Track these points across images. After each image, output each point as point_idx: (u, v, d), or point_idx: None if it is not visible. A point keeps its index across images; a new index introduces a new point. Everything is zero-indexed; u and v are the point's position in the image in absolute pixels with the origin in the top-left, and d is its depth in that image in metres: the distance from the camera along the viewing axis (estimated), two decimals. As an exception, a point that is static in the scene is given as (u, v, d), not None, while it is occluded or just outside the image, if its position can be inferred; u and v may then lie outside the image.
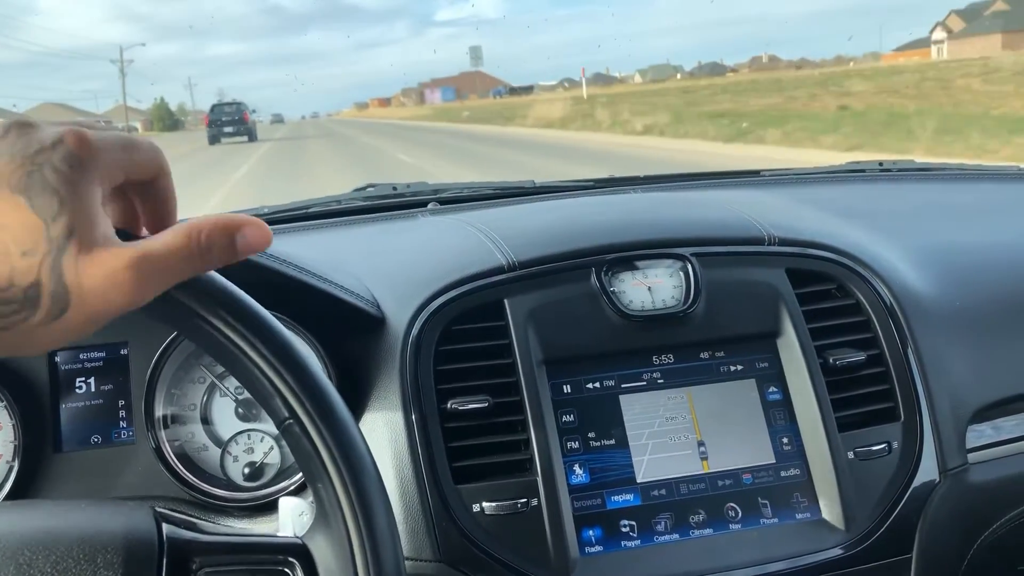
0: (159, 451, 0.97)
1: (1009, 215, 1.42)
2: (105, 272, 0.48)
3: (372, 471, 0.61)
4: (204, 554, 0.62)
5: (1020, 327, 1.12)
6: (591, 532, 0.91)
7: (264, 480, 0.99)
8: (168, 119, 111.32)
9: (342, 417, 0.61)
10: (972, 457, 1.01)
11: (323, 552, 0.62)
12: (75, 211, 0.48)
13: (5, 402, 0.96)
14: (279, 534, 0.67)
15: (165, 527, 0.62)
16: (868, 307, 1.03)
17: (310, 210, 1.49)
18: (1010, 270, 1.19)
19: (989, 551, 1.03)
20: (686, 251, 1.01)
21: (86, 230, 0.48)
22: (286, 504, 0.69)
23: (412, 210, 1.45)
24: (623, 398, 0.96)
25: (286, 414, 0.60)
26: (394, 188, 1.62)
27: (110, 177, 0.51)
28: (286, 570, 0.62)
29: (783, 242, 1.05)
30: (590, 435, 0.94)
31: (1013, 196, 1.53)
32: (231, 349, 0.59)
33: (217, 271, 0.61)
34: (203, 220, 0.53)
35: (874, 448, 0.97)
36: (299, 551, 0.63)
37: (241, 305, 0.59)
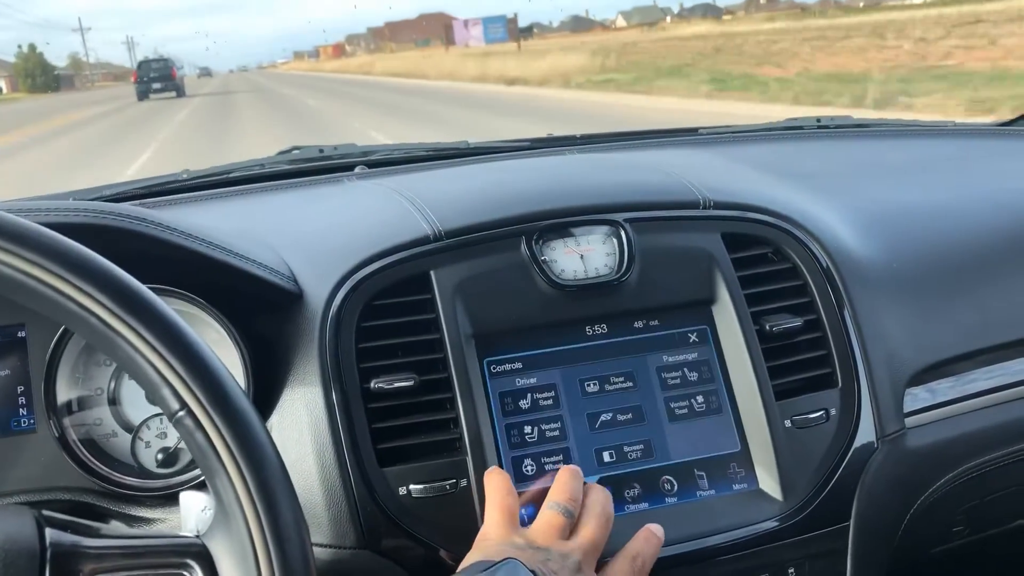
0: (62, 439, 0.90)
1: (944, 172, 1.41)
2: None
3: (274, 463, 0.57)
4: (93, 561, 0.57)
5: (957, 286, 1.11)
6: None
7: (179, 466, 0.93)
8: (42, 75, 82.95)
9: (239, 406, 0.56)
10: (910, 421, 1.00)
11: (224, 552, 0.57)
12: None
13: None
14: (180, 532, 0.62)
15: (49, 532, 0.57)
16: (805, 271, 1.01)
17: (232, 175, 1.41)
18: (947, 229, 1.18)
19: (925, 515, 1.02)
20: (619, 217, 0.97)
21: None
22: (188, 499, 0.64)
23: (339, 174, 1.38)
24: (556, 371, 0.93)
25: (177, 405, 0.55)
26: (320, 151, 1.55)
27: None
28: (184, 573, 0.58)
29: (718, 206, 1.02)
30: (522, 410, 0.91)
31: (948, 152, 1.53)
32: (111, 336, 0.54)
33: (108, 247, 0.56)
34: None
35: (811, 416, 0.95)
36: (197, 552, 0.58)
37: (120, 284, 0.54)
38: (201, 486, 0.89)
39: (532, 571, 0.66)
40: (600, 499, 0.84)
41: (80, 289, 0.54)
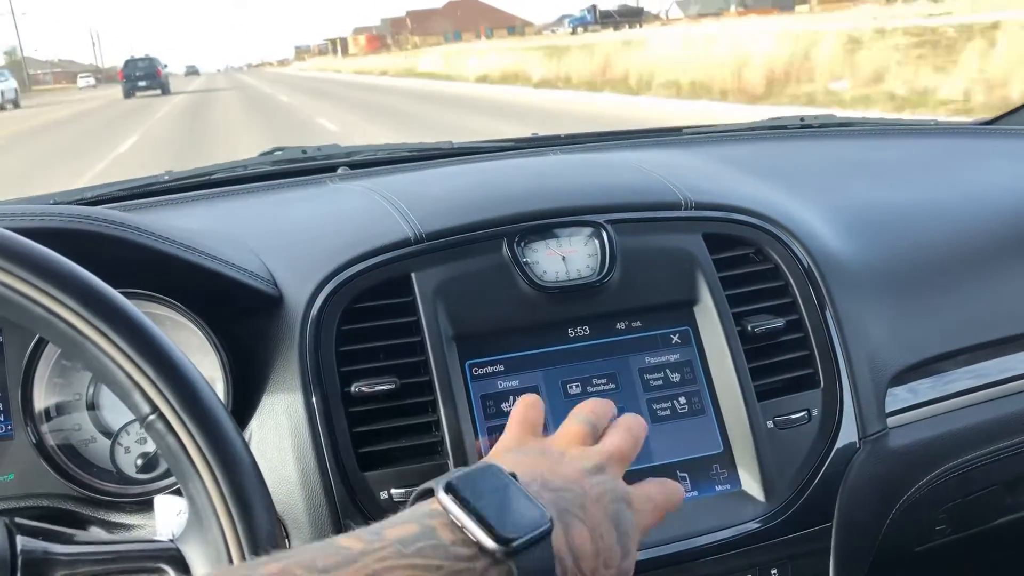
0: (40, 445, 0.89)
1: (926, 172, 1.41)
2: None
3: (247, 465, 0.57)
4: (65, 567, 0.57)
5: (937, 287, 1.11)
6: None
7: (159, 472, 0.92)
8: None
9: (210, 408, 0.56)
10: (891, 421, 1.00)
11: (198, 557, 0.57)
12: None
13: None
14: (155, 537, 0.62)
15: (20, 540, 0.56)
16: (786, 271, 1.01)
17: (213, 176, 1.40)
18: (929, 229, 1.18)
19: (907, 514, 1.03)
20: (601, 218, 0.97)
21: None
22: (162, 503, 0.64)
23: (321, 175, 1.37)
24: (538, 373, 0.92)
25: (148, 409, 0.55)
26: (304, 152, 1.54)
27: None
28: None
29: (700, 206, 1.01)
30: (504, 412, 0.90)
31: (931, 151, 1.53)
32: (79, 339, 0.53)
33: (84, 252, 0.55)
34: None
35: (793, 416, 0.95)
36: (170, 556, 0.58)
37: (86, 287, 0.54)
38: (179, 491, 0.89)
39: (513, 475, 0.56)
40: (630, 417, 0.74)
41: (46, 293, 0.54)
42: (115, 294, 0.56)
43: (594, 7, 66.05)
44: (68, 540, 0.59)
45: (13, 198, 1.33)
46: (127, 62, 40.13)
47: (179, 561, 0.58)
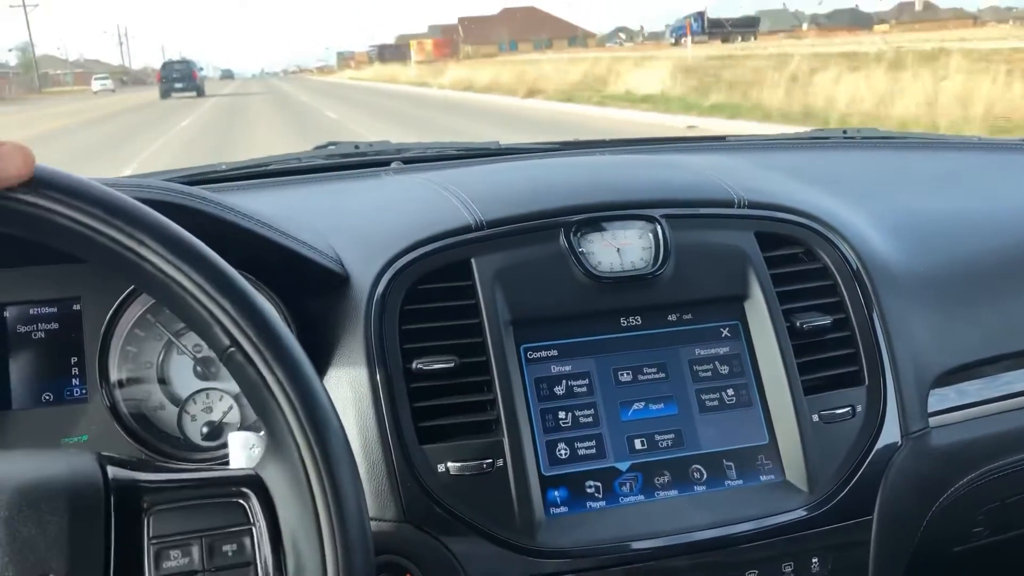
0: (114, 410, 0.94)
1: (971, 184, 1.43)
2: None
3: (322, 394, 0.60)
4: (153, 493, 0.60)
5: (982, 293, 1.13)
6: (556, 493, 0.91)
7: (223, 439, 0.96)
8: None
9: (286, 341, 0.59)
10: (934, 421, 1.02)
11: (277, 481, 0.60)
12: None
13: None
14: (230, 467, 0.65)
15: (110, 469, 0.60)
16: (835, 271, 1.03)
17: (269, 167, 1.45)
18: (972, 237, 1.20)
19: (946, 513, 1.04)
20: (656, 212, 0.99)
21: None
22: (235, 438, 0.67)
23: (375, 169, 1.41)
24: (590, 359, 0.95)
25: (227, 342, 0.58)
26: (356, 147, 1.59)
27: None
28: (240, 502, 0.60)
29: (752, 205, 1.04)
30: (556, 396, 0.93)
31: (975, 165, 1.55)
32: (162, 279, 0.57)
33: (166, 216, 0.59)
34: None
35: (838, 411, 0.97)
36: (253, 482, 0.61)
37: (170, 232, 0.57)
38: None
39: None
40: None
41: (132, 236, 0.57)
42: (195, 240, 0.59)
43: (702, 15, 56.82)
44: (153, 469, 0.62)
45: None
46: (164, 64, 42.68)
47: (261, 487, 0.60)
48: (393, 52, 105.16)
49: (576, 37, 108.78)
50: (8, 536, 0.55)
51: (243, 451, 0.65)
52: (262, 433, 0.62)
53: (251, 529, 0.60)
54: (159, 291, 0.58)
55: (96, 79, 68.28)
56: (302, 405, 0.57)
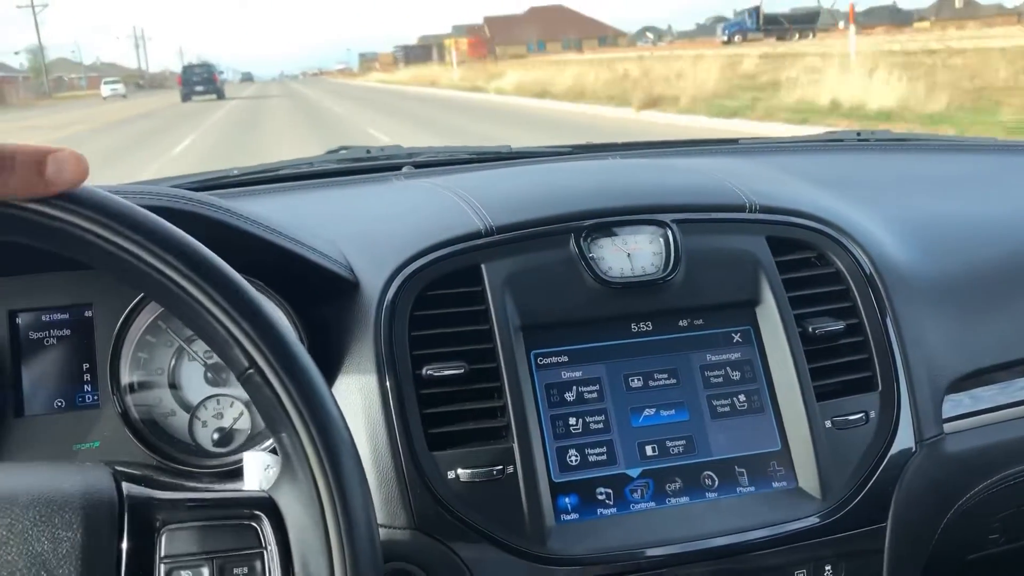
0: (125, 416, 0.94)
1: (986, 187, 1.42)
2: None
3: (337, 418, 0.60)
4: (167, 511, 0.60)
5: (997, 298, 1.12)
6: (567, 499, 0.90)
7: (234, 446, 0.96)
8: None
9: (304, 364, 0.59)
10: (948, 427, 1.01)
11: (291, 504, 0.60)
12: None
13: None
14: (244, 488, 0.65)
15: (125, 486, 0.60)
16: (848, 276, 1.03)
17: (280, 172, 1.45)
18: (988, 241, 1.19)
19: (961, 520, 1.03)
20: (667, 218, 0.99)
21: None
22: (251, 459, 0.67)
23: (386, 173, 1.42)
24: (600, 365, 0.95)
25: (246, 363, 0.58)
26: (367, 151, 1.59)
27: None
28: (253, 525, 0.61)
29: (764, 210, 1.04)
30: (567, 402, 0.93)
31: (990, 168, 1.53)
32: (186, 299, 0.57)
33: (182, 228, 0.59)
34: (11, 145, 0.53)
35: (851, 417, 0.97)
36: (265, 504, 0.61)
37: (196, 253, 0.58)
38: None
39: None
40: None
41: (158, 256, 0.57)
42: (219, 260, 0.60)
43: (757, 10, 51.20)
44: (167, 487, 0.63)
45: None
46: (185, 68, 43.93)
47: (273, 510, 0.61)
48: (418, 53, 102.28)
49: (606, 37, 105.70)
50: (20, 551, 0.55)
51: (259, 472, 0.66)
52: (277, 455, 0.62)
53: (262, 553, 0.60)
54: (180, 308, 0.59)
55: (105, 83, 61.57)
56: (317, 428, 0.58)
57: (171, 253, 0.57)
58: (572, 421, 0.93)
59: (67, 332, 0.97)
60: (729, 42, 47.13)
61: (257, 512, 0.61)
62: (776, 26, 48.91)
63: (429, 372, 0.90)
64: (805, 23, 48.84)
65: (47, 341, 0.96)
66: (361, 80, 68.30)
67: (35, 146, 0.53)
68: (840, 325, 0.99)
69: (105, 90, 58.40)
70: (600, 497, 0.91)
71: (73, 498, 0.58)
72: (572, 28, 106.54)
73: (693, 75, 17.96)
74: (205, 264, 0.58)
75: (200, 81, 41.16)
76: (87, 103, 51.00)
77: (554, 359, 0.94)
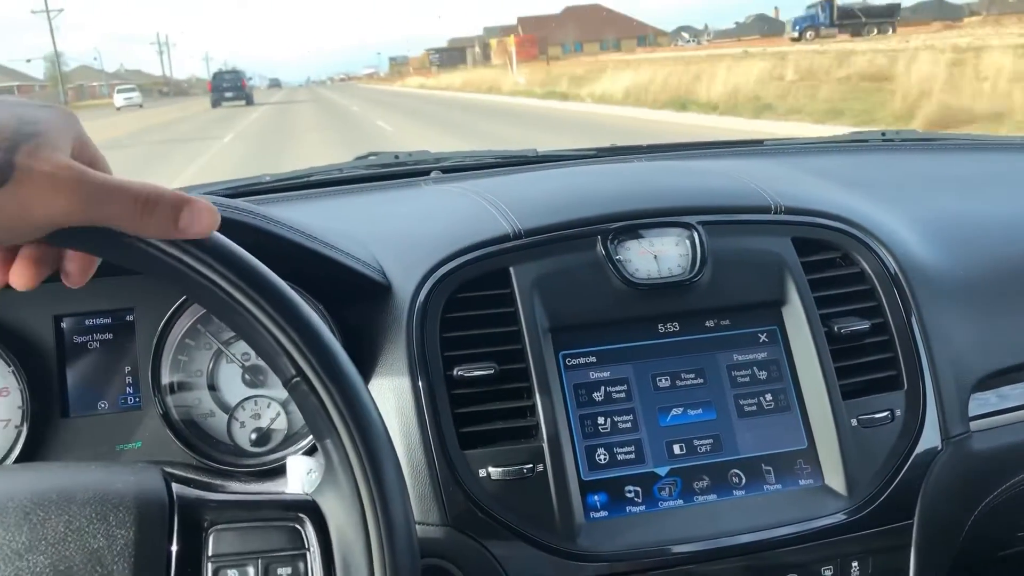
0: (166, 417, 0.97)
1: (1013, 186, 1.42)
2: (54, 169, 0.50)
3: (379, 426, 0.62)
4: (214, 512, 0.63)
5: (1020, 298, 1.12)
6: (596, 497, 0.92)
7: (271, 445, 0.99)
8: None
9: (349, 374, 0.61)
10: (975, 425, 1.02)
11: (333, 508, 0.62)
12: (49, 124, 0.52)
13: (12, 367, 0.96)
14: (287, 491, 0.67)
15: (175, 487, 0.63)
16: (873, 276, 1.03)
17: (311, 178, 1.48)
18: (1011, 242, 1.19)
19: (989, 518, 1.04)
20: (693, 219, 1.01)
21: (53, 135, 0.52)
22: (294, 463, 0.70)
23: (415, 178, 1.44)
24: (628, 365, 0.97)
25: (293, 372, 0.60)
26: (396, 157, 1.62)
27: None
28: (296, 527, 0.63)
29: (789, 211, 1.05)
30: (595, 402, 0.95)
31: (1016, 166, 1.53)
32: (237, 308, 0.59)
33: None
34: (157, 189, 0.55)
35: (877, 416, 0.98)
36: (309, 507, 0.63)
37: (246, 265, 0.60)
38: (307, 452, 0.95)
39: None
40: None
41: (207, 264, 0.59)
42: (267, 270, 0.62)
43: (830, 3, 46.52)
44: (215, 489, 0.65)
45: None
46: (215, 75, 45.29)
47: (316, 512, 0.63)
48: (453, 56, 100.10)
49: (646, 36, 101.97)
50: (77, 547, 0.58)
51: (302, 475, 0.68)
52: (319, 459, 0.64)
53: (305, 554, 0.62)
54: (232, 319, 0.60)
55: (119, 91, 55.87)
56: (360, 436, 0.60)
57: (220, 261, 0.59)
58: (601, 420, 0.94)
59: (109, 336, 1.00)
60: (800, 39, 43.93)
61: (301, 514, 0.63)
62: (852, 20, 45.31)
63: (460, 373, 0.92)
64: (884, 17, 45.23)
65: (90, 345, 0.99)
66: (398, 85, 63.57)
67: (176, 194, 0.55)
68: (865, 324, 1.00)
69: (118, 99, 53.68)
70: (629, 495, 0.93)
71: (127, 497, 0.60)
72: (610, 28, 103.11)
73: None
74: (257, 275, 0.60)
75: (229, 87, 42.24)
76: (100, 112, 46.95)
77: (582, 360, 0.96)
